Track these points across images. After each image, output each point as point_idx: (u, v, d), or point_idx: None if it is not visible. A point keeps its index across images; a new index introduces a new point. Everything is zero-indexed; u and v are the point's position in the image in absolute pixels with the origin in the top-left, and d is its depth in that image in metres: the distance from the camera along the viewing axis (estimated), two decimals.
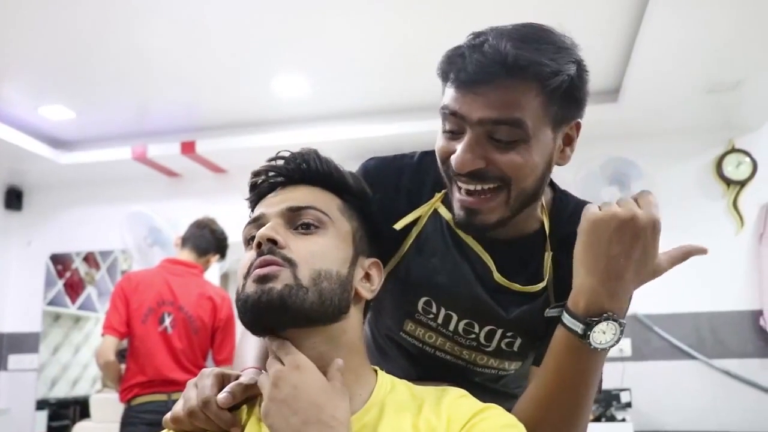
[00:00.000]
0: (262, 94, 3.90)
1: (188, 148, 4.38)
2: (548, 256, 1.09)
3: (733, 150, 4.07)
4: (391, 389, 0.91)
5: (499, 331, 1.11)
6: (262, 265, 0.85)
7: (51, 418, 4.92)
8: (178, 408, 0.90)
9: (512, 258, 1.10)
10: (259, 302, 0.83)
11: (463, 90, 0.96)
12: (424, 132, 4.11)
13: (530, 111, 0.94)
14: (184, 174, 4.83)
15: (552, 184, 1.14)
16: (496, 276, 1.08)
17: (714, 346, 3.94)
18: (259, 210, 0.94)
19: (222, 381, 0.92)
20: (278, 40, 3.26)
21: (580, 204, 1.09)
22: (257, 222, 0.92)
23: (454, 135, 0.99)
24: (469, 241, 1.10)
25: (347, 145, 4.33)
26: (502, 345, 1.12)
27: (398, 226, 1.12)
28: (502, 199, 0.99)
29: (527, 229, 1.10)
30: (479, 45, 0.96)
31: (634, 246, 0.89)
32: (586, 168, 3.69)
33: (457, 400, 0.88)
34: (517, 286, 1.08)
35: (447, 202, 1.10)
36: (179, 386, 2.99)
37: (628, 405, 3.71)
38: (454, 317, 1.12)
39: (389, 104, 4.05)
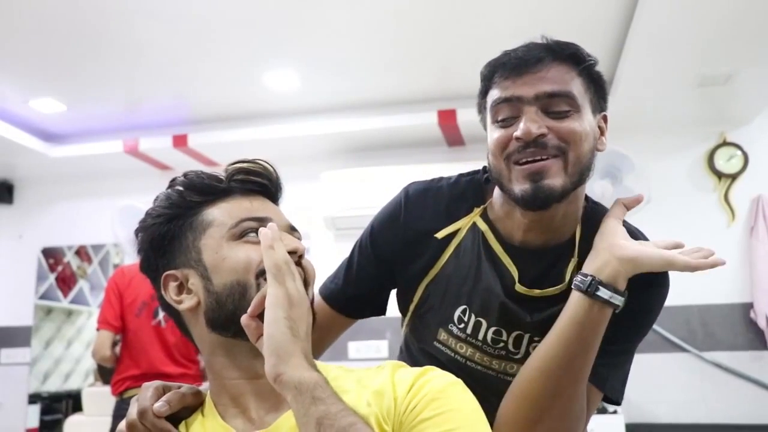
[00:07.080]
0: (254, 88, 3.88)
1: (180, 141, 4.37)
2: (573, 263, 1.15)
3: (725, 143, 4.09)
4: (329, 369, 0.93)
5: (527, 336, 1.17)
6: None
7: (43, 411, 4.92)
8: (121, 424, 0.92)
9: (538, 266, 1.16)
10: None
11: (515, 75, 1.09)
12: (414, 125, 4.11)
13: (575, 88, 1.10)
14: (176, 167, 4.80)
15: (585, 197, 1.23)
16: (517, 286, 1.16)
17: (705, 338, 3.96)
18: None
19: (162, 393, 0.94)
20: (270, 34, 3.25)
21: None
22: None
23: (508, 122, 1.10)
24: (498, 251, 1.19)
25: (338, 139, 4.32)
26: (531, 350, 1.16)
27: (440, 235, 1.22)
28: (561, 164, 1.08)
29: (561, 237, 1.17)
30: (519, 47, 1.12)
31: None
32: None
33: (396, 368, 0.91)
34: (536, 292, 1.14)
35: (485, 216, 1.21)
36: (172, 380, 2.99)
37: None
38: (484, 324, 1.18)
39: (380, 98, 4.04)
